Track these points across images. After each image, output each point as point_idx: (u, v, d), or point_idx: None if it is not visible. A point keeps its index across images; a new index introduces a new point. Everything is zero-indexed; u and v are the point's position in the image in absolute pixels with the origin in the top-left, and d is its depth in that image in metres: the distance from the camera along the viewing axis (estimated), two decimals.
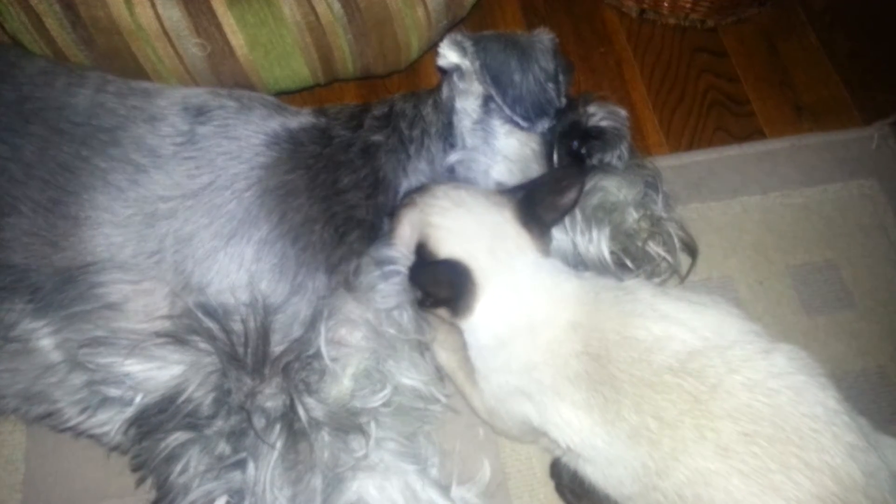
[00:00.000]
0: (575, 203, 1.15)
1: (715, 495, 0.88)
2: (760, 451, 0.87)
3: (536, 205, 1.13)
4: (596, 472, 1.03)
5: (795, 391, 0.91)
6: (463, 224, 1.12)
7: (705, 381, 0.92)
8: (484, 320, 1.10)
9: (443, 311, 1.14)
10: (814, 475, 0.85)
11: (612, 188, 1.27)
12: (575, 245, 1.24)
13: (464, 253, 1.10)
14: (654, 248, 1.29)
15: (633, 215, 1.28)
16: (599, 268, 1.26)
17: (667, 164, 1.57)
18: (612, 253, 1.26)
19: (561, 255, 1.24)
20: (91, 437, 1.15)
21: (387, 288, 1.16)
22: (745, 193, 1.61)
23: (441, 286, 1.09)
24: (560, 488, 1.23)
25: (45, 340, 1.07)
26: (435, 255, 1.11)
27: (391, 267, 1.17)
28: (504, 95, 1.23)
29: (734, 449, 0.88)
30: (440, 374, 1.26)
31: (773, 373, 0.93)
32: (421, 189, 1.21)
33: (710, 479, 0.89)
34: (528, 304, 1.08)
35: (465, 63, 1.26)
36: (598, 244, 1.24)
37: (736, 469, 0.87)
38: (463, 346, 1.19)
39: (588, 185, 1.26)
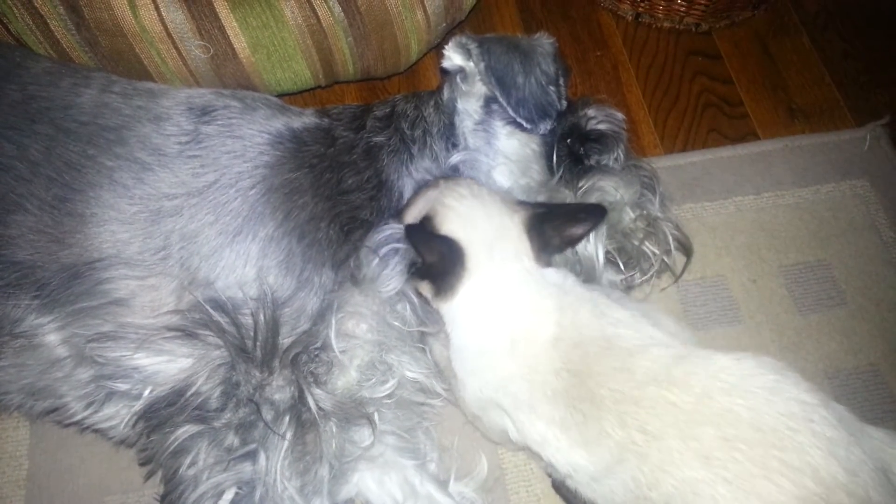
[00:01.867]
0: (581, 238, 1.17)
1: None
2: (741, 456, 0.88)
3: (547, 223, 1.15)
4: (581, 486, 1.04)
5: (770, 391, 0.92)
6: (472, 213, 1.14)
7: (689, 390, 0.93)
8: (464, 307, 1.11)
9: (427, 288, 1.15)
10: (795, 476, 0.85)
11: (609, 188, 1.28)
12: None
13: (464, 236, 1.12)
14: (650, 247, 1.31)
15: (629, 215, 1.30)
16: (591, 266, 1.27)
17: (661, 164, 1.59)
18: (606, 252, 1.28)
19: None
20: (97, 431, 1.17)
21: (388, 273, 1.18)
22: (738, 194, 1.63)
23: (432, 251, 1.11)
24: (557, 484, 1.25)
25: (52, 336, 1.08)
26: (436, 230, 1.13)
27: (387, 247, 1.19)
28: (508, 97, 1.25)
29: (716, 456, 0.89)
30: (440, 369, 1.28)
31: (746, 374, 0.94)
32: (449, 177, 1.24)
33: (696, 488, 0.89)
34: (510, 307, 1.09)
35: (469, 65, 1.28)
36: (595, 243, 1.26)
37: (720, 476, 0.88)
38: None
39: (586, 185, 1.28)
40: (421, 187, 1.25)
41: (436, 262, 1.11)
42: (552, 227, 1.14)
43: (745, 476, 0.87)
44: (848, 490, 0.85)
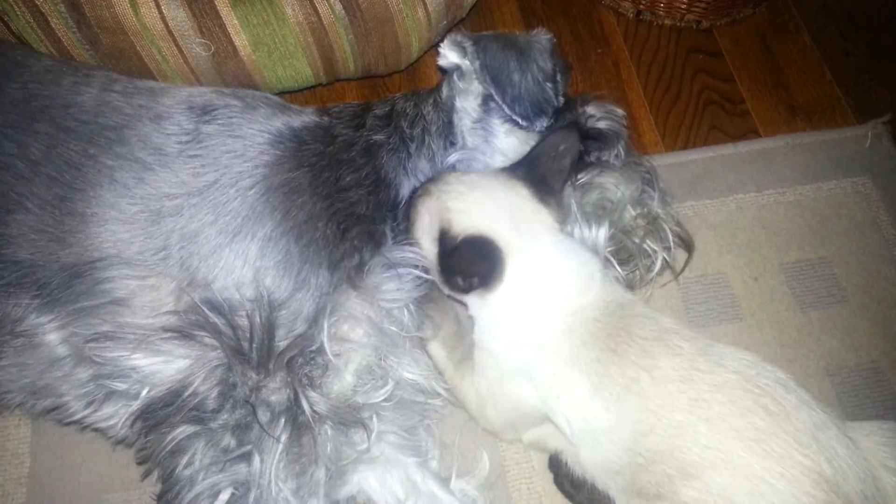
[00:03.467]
0: (576, 160, 1.19)
1: (684, 445, 0.95)
2: (724, 398, 0.96)
3: (544, 175, 1.16)
4: (587, 456, 1.07)
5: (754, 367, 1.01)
6: (481, 205, 1.14)
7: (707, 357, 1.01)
8: (511, 293, 1.11)
9: (473, 295, 1.14)
10: (769, 417, 0.94)
11: (610, 185, 1.28)
12: None
13: (486, 229, 1.11)
14: (651, 245, 1.31)
15: (630, 213, 1.30)
16: None
17: (663, 162, 1.59)
18: (607, 251, 1.28)
19: None
20: (96, 430, 1.17)
21: (394, 288, 1.17)
22: (739, 191, 1.63)
23: (477, 263, 1.10)
24: (559, 479, 1.25)
25: (52, 335, 1.08)
26: (458, 236, 1.12)
27: (406, 269, 1.18)
28: (503, 95, 1.25)
29: (703, 398, 0.96)
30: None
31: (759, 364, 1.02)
32: (432, 179, 1.22)
33: (682, 430, 0.96)
34: (558, 278, 1.11)
35: (465, 63, 1.28)
36: (594, 242, 1.26)
37: (703, 418, 0.95)
38: (457, 336, 1.21)
39: (584, 180, 1.28)
40: (414, 192, 1.24)
41: (487, 268, 1.10)
42: (549, 175, 1.17)
43: (724, 416, 0.95)
44: (815, 435, 0.94)
